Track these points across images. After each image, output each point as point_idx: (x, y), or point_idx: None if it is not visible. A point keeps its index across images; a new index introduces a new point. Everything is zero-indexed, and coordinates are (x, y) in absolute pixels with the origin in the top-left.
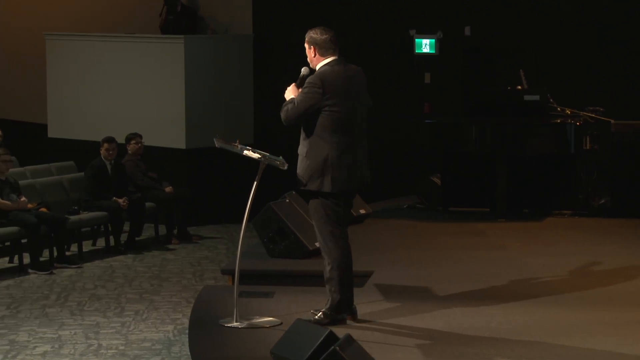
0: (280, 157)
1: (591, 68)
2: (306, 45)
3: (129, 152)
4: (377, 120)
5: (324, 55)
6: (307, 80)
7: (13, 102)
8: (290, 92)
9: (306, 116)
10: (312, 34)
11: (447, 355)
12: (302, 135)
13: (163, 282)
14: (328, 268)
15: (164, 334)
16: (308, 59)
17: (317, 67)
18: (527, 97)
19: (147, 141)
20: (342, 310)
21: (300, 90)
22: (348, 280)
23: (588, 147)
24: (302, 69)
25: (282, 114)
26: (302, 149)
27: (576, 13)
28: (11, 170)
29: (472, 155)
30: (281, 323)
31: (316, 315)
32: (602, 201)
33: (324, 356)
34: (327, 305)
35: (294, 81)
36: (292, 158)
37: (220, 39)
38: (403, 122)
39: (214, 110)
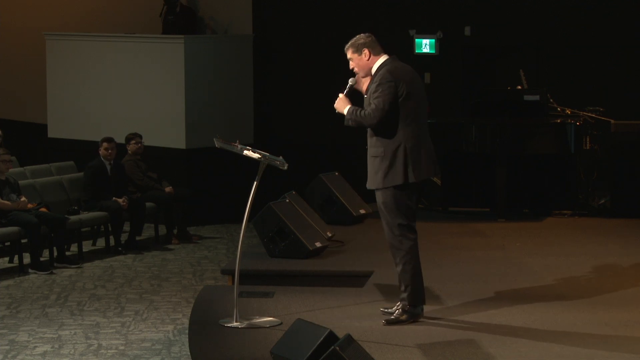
0: (280, 157)
1: (591, 68)
2: (354, 55)
3: (129, 152)
4: None
5: (377, 54)
6: (377, 77)
7: (13, 102)
8: (343, 102)
9: (388, 112)
10: (358, 41)
11: (447, 355)
12: (372, 136)
13: (163, 282)
14: (401, 265)
15: (164, 334)
16: (359, 67)
17: (375, 66)
18: (527, 97)
19: (147, 141)
20: (419, 303)
21: (368, 92)
22: (421, 273)
23: (588, 147)
24: (350, 80)
25: (366, 121)
26: (375, 150)
27: (576, 13)
28: (11, 170)
29: (472, 155)
30: (281, 323)
31: (392, 314)
32: (602, 201)
33: (324, 356)
34: (406, 302)
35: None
36: (291, 158)
37: (220, 39)
38: None
39: (214, 110)
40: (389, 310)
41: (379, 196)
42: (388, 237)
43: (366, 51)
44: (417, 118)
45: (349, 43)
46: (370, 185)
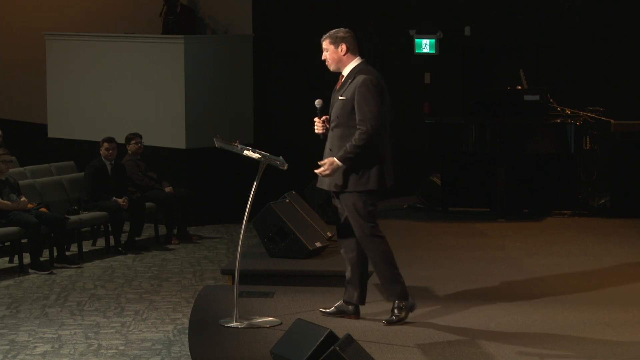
0: (280, 157)
1: (591, 68)
2: (330, 46)
3: (129, 152)
4: None
5: (353, 53)
6: (363, 81)
7: (13, 102)
8: (332, 163)
9: (378, 121)
10: (338, 34)
11: (447, 355)
12: (343, 139)
13: (163, 282)
14: (373, 264)
15: (164, 334)
16: (331, 60)
17: (350, 67)
18: (527, 97)
19: (147, 141)
20: (407, 296)
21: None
22: (397, 266)
23: (588, 147)
24: (316, 102)
25: (361, 143)
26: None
27: (576, 13)
28: (11, 170)
29: (472, 155)
30: (281, 323)
31: (392, 315)
32: (602, 201)
33: (324, 356)
34: (396, 301)
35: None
36: (291, 158)
37: (220, 39)
38: (403, 122)
39: (214, 110)
40: (328, 310)
41: (347, 198)
42: (359, 239)
43: (343, 46)
44: (386, 127)
45: (328, 34)
46: (334, 187)
